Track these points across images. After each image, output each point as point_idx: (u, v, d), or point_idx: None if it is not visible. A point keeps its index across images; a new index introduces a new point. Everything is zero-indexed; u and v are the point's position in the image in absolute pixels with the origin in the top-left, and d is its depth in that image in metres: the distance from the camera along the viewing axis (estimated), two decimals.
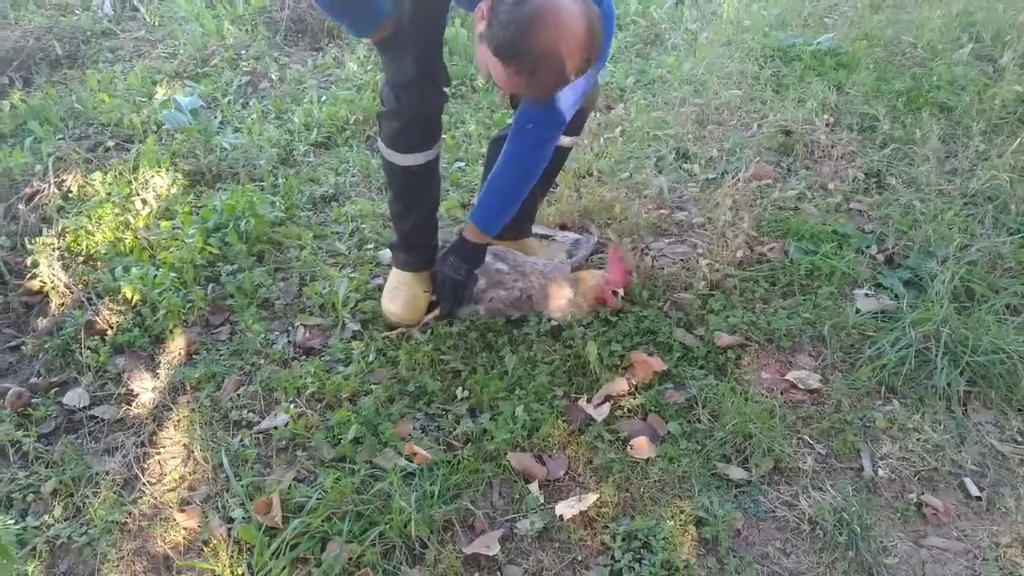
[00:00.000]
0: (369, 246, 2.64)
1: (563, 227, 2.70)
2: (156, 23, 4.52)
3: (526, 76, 1.49)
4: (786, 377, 2.07)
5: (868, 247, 2.51)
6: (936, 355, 2.04)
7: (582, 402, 1.99)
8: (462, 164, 3.14)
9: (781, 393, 2.02)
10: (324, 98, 3.63)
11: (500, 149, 2.23)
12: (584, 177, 2.91)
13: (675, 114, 3.33)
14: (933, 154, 2.94)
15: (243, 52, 4.11)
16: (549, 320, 2.21)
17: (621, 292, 2.21)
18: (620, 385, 2.01)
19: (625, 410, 1.97)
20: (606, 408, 1.96)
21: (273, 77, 3.87)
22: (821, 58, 3.71)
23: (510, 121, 2.18)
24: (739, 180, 2.57)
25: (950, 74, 3.55)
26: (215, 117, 3.48)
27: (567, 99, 1.92)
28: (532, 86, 1.53)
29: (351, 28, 1.94)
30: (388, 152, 2.14)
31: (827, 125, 3.15)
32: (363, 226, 2.75)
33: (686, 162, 3.07)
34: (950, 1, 4.30)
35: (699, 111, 3.37)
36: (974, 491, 1.78)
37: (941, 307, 2.12)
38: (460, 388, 2.03)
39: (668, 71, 3.73)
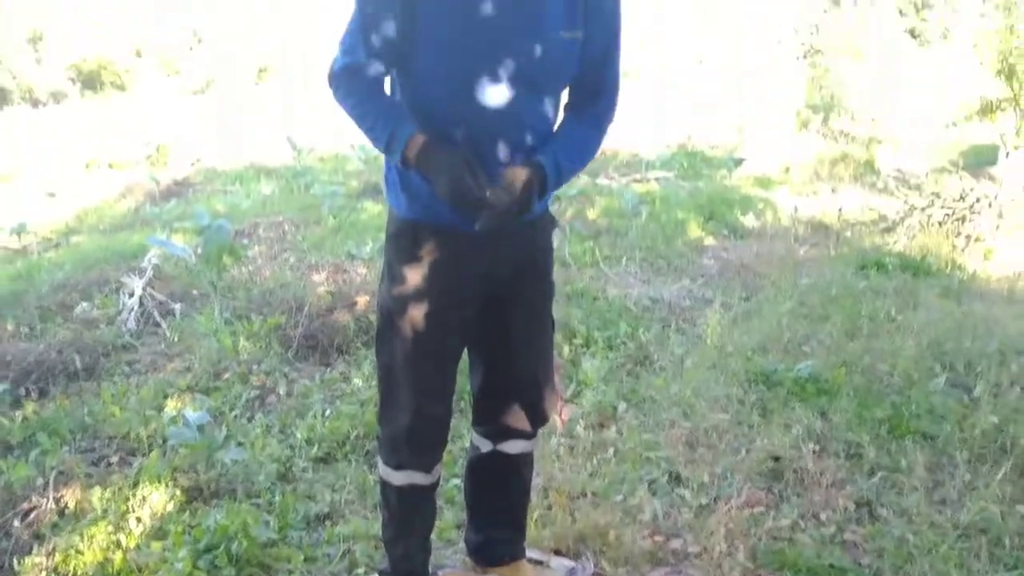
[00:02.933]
0: (359, 570, 2.60)
1: (557, 552, 2.68)
2: (176, 338, 4.80)
3: None
4: None
5: None
6: None
7: None
8: (458, 481, 3.18)
9: None
10: (328, 412, 3.76)
11: (479, 478, 2.31)
12: (578, 498, 2.94)
13: (666, 436, 3.44)
14: (921, 483, 2.99)
15: (255, 367, 4.31)
16: None
17: None
18: None
19: None
20: None
21: (281, 392, 4.04)
22: (803, 384, 3.89)
23: (480, 445, 2.27)
24: (732, 507, 2.60)
25: (928, 403, 3.70)
26: (220, 431, 3.58)
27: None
28: None
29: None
30: (384, 469, 2.19)
31: (814, 452, 3.23)
32: (355, 547, 2.72)
33: (679, 486, 3.11)
34: (920, 331, 4.59)
35: (688, 433, 3.48)
36: None
37: None
38: None
39: (656, 393, 3.90)
